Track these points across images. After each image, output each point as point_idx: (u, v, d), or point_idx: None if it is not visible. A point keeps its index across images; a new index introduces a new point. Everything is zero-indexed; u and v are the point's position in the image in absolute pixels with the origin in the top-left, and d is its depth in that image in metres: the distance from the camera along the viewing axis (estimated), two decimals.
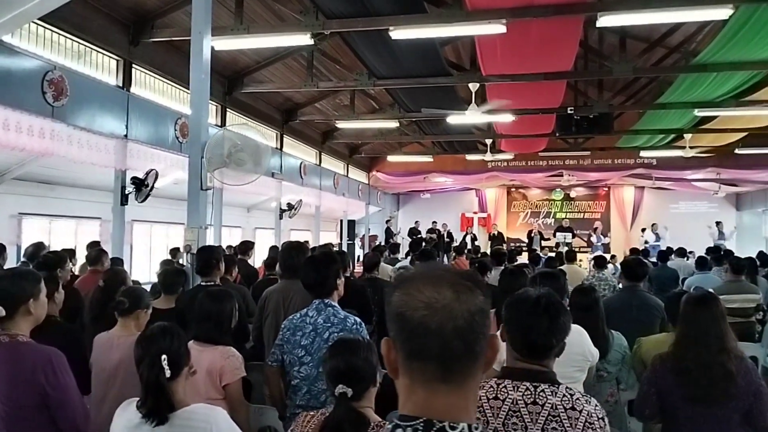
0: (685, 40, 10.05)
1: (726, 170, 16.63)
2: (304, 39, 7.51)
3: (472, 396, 1.01)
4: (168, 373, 2.04)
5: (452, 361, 0.97)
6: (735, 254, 8.54)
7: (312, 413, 2.09)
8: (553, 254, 10.90)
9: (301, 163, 14.19)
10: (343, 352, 2.12)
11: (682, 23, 9.24)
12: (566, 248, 12.79)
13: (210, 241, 7.24)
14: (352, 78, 10.11)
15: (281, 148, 13.36)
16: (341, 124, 13.35)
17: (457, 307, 0.98)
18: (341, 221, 17.28)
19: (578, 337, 2.86)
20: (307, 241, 4.30)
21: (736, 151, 14.81)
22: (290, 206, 12.89)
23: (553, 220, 20.75)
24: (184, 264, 5.79)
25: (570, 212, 21.06)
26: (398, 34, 6.96)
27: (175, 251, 8.36)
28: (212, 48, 6.37)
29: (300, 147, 14.68)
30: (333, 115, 13.51)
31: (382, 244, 15.67)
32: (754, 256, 10.39)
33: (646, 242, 15.66)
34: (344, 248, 16.26)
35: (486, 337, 1.01)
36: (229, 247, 8.28)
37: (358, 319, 2.95)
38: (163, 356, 2.05)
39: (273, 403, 3.13)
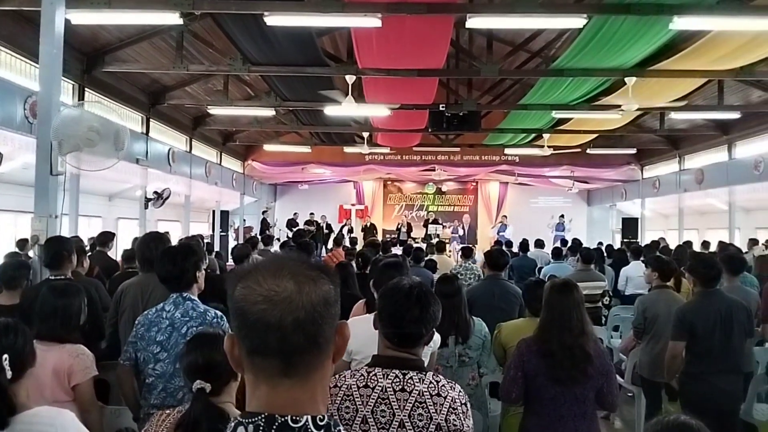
0: (546, 45, 10.80)
1: (579, 168, 18.14)
2: (172, 18, 7.09)
3: (319, 388, 1.00)
4: (9, 374, 1.87)
5: (294, 355, 0.96)
6: (584, 245, 9.35)
7: (168, 411, 1.99)
8: (420, 245, 11.28)
9: (169, 150, 13.45)
10: (202, 346, 2.04)
11: (542, 30, 9.90)
12: (437, 239, 13.33)
13: (65, 231, 6.66)
14: (226, 62, 9.74)
15: (147, 133, 12.56)
16: (214, 110, 12.81)
17: (297, 299, 0.95)
18: (214, 212, 16.64)
19: None
20: (167, 232, 4.07)
21: (588, 151, 16.16)
22: (157, 195, 12.18)
23: (426, 212, 21.52)
24: (33, 256, 5.29)
25: (441, 205, 22.02)
26: (273, 20, 6.79)
27: (23, 243, 7.62)
28: (68, 21, 5.86)
29: (168, 132, 13.90)
30: (205, 101, 12.94)
31: (257, 235, 15.36)
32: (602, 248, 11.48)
33: (499, 232, 16.94)
34: (216, 239, 15.69)
35: (332, 327, 1.00)
36: (91, 238, 7.69)
37: (219, 313, 2.86)
38: (5, 356, 1.88)
39: (126, 403, 2.95)
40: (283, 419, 0.94)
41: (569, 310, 2.80)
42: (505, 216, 19.00)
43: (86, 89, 10.19)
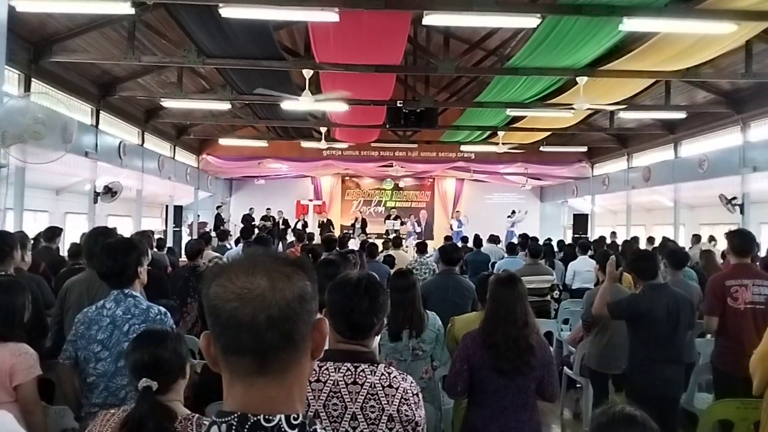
0: (501, 44, 10.98)
1: (532, 165, 18.49)
2: (124, 7, 6.89)
3: (296, 386, 0.99)
4: None
5: (269, 353, 0.94)
6: (537, 240, 9.56)
7: (113, 411, 1.94)
8: (375, 241, 11.39)
9: (120, 143, 13.07)
10: (148, 343, 2.01)
11: (498, 28, 10.05)
12: (394, 235, 13.40)
13: (9, 226, 6.43)
14: (180, 54, 9.52)
15: (97, 125, 12.19)
16: (167, 103, 12.51)
17: (270, 296, 0.94)
18: (167, 206, 16.27)
19: None
20: (115, 228, 3.98)
21: (541, 148, 16.48)
22: (108, 190, 11.83)
23: (383, 208, 21.61)
24: None
25: (399, 201, 22.14)
26: (229, 12, 6.69)
27: None
28: (13, 8, 5.66)
29: (120, 125, 13.50)
30: (158, 93, 12.63)
31: (211, 230, 15.13)
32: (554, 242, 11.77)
33: (450, 227, 17.23)
34: (170, 235, 15.37)
35: (309, 324, 0.99)
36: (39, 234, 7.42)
37: (162, 309, 2.79)
38: None
39: (67, 403, 2.86)
40: (255, 418, 0.93)
41: (513, 302, 2.86)
42: (458, 211, 19.33)
43: (33, 79, 9.80)
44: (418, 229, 19.18)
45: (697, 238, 11.43)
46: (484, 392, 2.85)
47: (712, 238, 11.81)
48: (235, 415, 0.93)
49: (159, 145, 15.85)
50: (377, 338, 2.16)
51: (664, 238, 10.12)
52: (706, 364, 4.66)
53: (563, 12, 7.08)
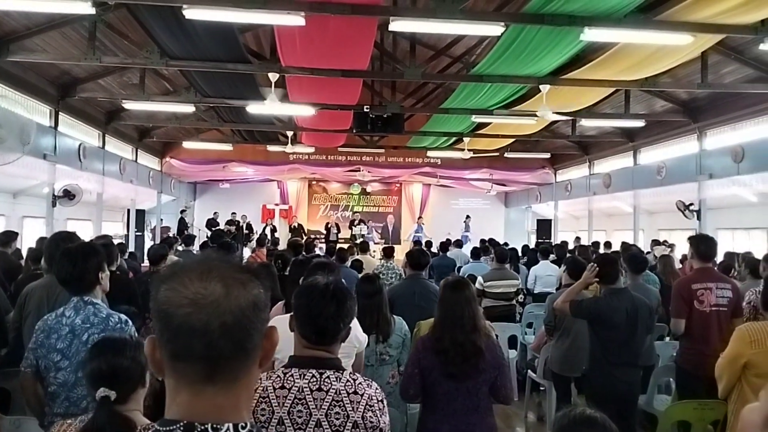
0: (467, 51, 11.11)
1: (497, 171, 18.72)
2: (84, 7, 6.71)
3: (244, 394, 0.98)
4: None
5: (220, 361, 0.92)
6: (501, 245, 9.68)
7: (69, 421, 1.90)
8: (344, 245, 11.40)
9: (80, 145, 12.73)
10: (105, 352, 1.96)
11: (463, 36, 10.16)
12: (361, 240, 13.41)
13: None
14: (142, 55, 9.34)
15: (56, 127, 11.87)
16: (129, 105, 12.24)
17: (225, 303, 0.92)
18: (129, 210, 15.93)
19: None
20: (74, 232, 3.86)
21: (506, 154, 16.69)
22: (67, 193, 11.51)
23: (351, 213, 21.56)
24: None
25: (366, 206, 22.12)
26: (192, 13, 6.59)
27: None
28: None
29: (79, 127, 13.17)
30: (120, 94, 12.36)
31: (175, 235, 14.88)
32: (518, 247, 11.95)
33: (416, 232, 17.51)
34: (132, 239, 15.05)
35: (261, 333, 0.98)
36: None
37: (123, 317, 2.74)
38: None
39: (30, 411, 2.78)
40: (203, 427, 0.91)
41: (461, 307, 2.88)
42: (421, 217, 19.51)
43: None
44: (376, 237, 19.24)
45: (655, 243, 11.74)
46: (435, 395, 2.87)
47: (665, 242, 12.15)
48: (181, 424, 0.91)
49: (120, 148, 15.53)
50: (362, 342, 2.13)
51: (623, 243, 10.34)
52: (665, 367, 4.79)
53: (526, 21, 7.19)
